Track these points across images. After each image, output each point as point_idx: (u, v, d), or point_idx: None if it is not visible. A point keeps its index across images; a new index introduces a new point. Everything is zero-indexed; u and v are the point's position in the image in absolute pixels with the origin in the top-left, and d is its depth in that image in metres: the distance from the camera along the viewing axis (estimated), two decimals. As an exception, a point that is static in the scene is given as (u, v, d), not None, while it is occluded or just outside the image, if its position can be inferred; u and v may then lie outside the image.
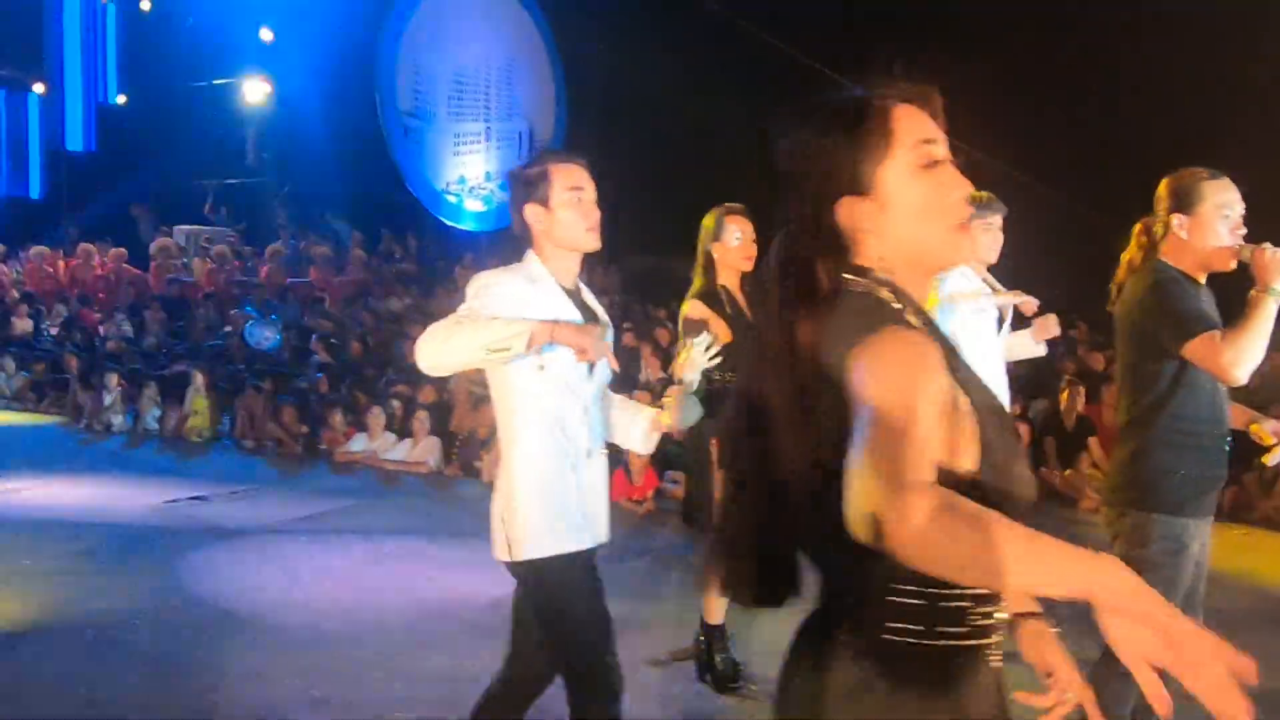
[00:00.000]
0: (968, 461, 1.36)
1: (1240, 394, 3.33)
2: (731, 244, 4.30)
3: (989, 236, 4.33)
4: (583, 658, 2.79)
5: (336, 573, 6.10)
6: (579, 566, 2.80)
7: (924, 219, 1.48)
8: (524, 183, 2.94)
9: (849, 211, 1.48)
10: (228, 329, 12.73)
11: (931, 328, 1.48)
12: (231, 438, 9.95)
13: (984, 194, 4.35)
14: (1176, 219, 3.17)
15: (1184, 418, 3.15)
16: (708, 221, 4.38)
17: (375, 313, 14.01)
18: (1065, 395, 7.90)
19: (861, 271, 1.50)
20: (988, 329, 4.47)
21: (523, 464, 2.80)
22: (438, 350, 2.66)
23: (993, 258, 4.40)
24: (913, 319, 1.45)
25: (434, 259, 17.47)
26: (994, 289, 4.33)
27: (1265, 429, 3.35)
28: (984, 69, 15.85)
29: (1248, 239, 3.17)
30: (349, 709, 4.23)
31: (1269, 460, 3.36)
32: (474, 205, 18.67)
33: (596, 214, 2.94)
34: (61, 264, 16.26)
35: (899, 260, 1.50)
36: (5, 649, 4.77)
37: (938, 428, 1.31)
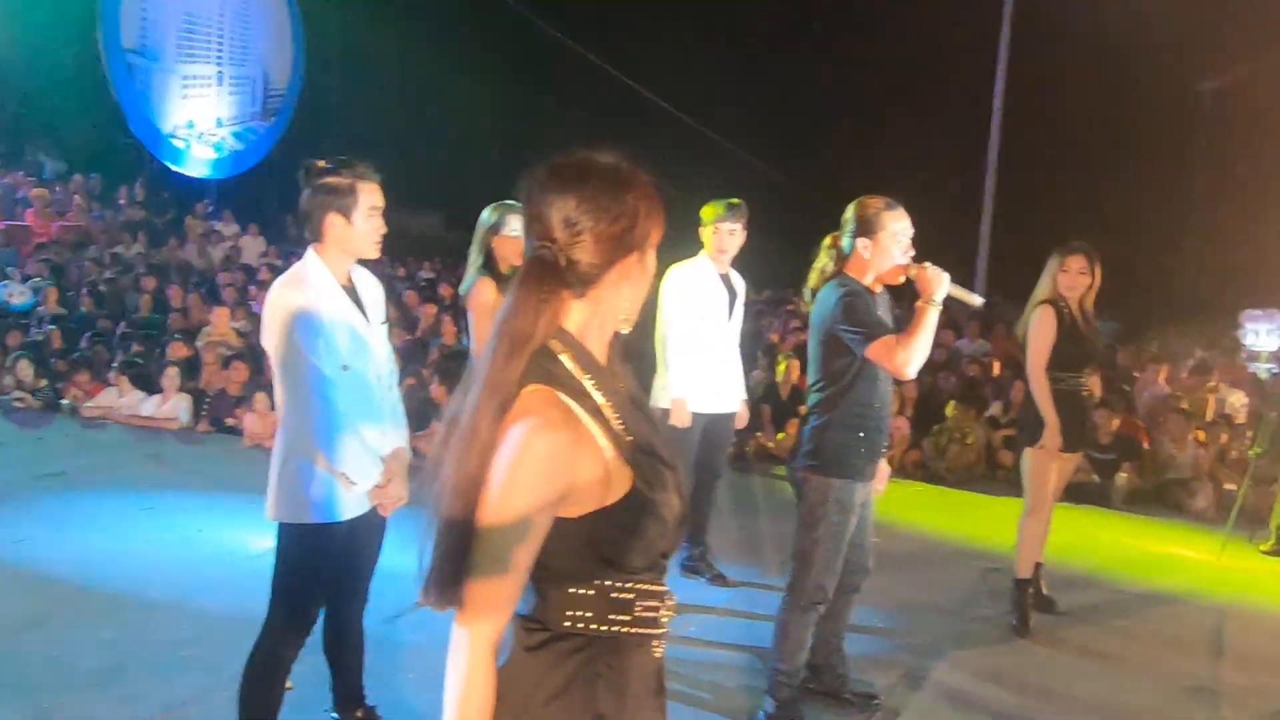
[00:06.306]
0: (615, 494, 1.58)
1: None
2: (512, 237, 4.51)
3: (735, 239, 5.36)
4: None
5: (105, 525, 6.23)
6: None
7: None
8: (329, 190, 3.15)
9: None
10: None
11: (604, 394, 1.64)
12: (-42, 391, 9.60)
13: (735, 200, 5.32)
14: (861, 242, 3.77)
15: (861, 403, 3.79)
16: (490, 214, 4.58)
17: (101, 262, 13.55)
18: (784, 368, 9.12)
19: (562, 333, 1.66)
20: (715, 312, 5.44)
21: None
22: None
23: (731, 256, 5.42)
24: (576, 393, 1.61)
25: (165, 205, 16.94)
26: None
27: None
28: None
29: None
30: (139, 646, 4.48)
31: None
32: (204, 152, 18.11)
33: (384, 229, 3.25)
34: None
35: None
36: None
37: (541, 522, 1.53)
